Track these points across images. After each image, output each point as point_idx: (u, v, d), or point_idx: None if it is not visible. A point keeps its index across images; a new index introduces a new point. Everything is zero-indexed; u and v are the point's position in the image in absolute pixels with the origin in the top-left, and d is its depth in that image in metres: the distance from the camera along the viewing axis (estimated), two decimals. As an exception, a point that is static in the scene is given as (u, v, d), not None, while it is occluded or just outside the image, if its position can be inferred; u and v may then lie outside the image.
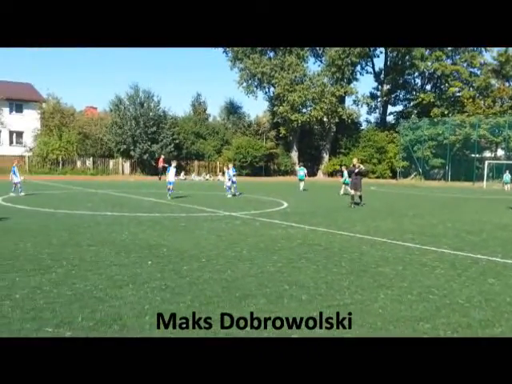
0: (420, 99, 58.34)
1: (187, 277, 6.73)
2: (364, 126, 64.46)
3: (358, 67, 59.10)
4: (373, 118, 66.33)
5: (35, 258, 7.68)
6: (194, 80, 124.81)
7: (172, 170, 21.32)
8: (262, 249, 9.07)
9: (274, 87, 54.96)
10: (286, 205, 18.81)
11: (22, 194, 19.79)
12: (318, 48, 57.18)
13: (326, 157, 59.08)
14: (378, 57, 62.28)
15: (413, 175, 57.03)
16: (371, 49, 58.24)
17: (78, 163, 45.52)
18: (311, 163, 57.78)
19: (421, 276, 7.17)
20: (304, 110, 55.73)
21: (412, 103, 62.09)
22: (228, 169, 24.14)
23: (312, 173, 55.08)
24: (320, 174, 57.60)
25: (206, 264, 7.60)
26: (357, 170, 19.35)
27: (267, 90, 57.99)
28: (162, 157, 41.31)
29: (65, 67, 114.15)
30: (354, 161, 20.54)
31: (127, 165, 47.25)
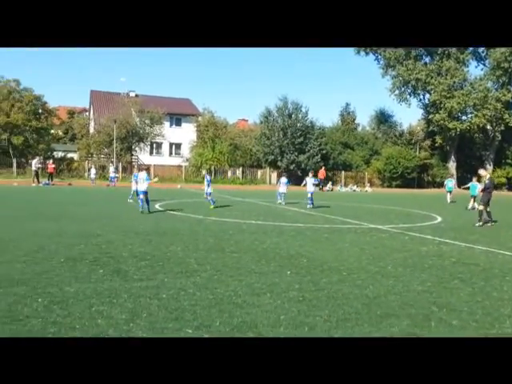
0: None
1: (325, 289, 6.53)
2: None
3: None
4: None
5: (183, 261, 8.11)
6: (343, 89, 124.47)
7: (309, 181, 21.25)
8: (410, 265, 8.48)
9: (430, 94, 52.22)
10: (439, 219, 17.56)
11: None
12: (480, 50, 53.08)
13: (489, 168, 54.27)
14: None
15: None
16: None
17: (229, 173, 47.94)
18: (471, 175, 53.47)
19: None
20: (464, 118, 52.02)
21: None
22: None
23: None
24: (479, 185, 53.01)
25: (346, 277, 7.32)
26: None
27: (422, 97, 55.37)
28: (323, 168, 41.89)
29: (220, 83, 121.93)
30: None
31: (274, 175, 48.53)
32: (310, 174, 21.95)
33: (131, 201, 20.09)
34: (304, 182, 21.93)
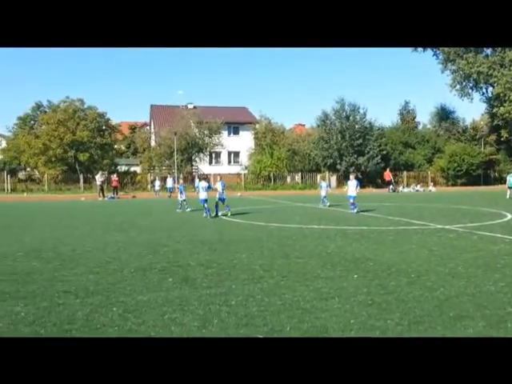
0: None
1: (395, 293, 6.40)
2: None
3: None
4: None
5: (249, 268, 8.21)
6: (402, 88, 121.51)
7: (351, 183, 20.07)
8: (481, 265, 8.15)
9: (493, 87, 50.05)
10: (509, 216, 16.75)
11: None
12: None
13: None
14: None
15: None
16: None
17: (288, 178, 48.00)
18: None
19: None
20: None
21: None
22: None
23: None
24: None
25: (415, 280, 7.14)
26: None
27: (484, 90, 53.19)
28: (388, 169, 41.28)
29: (275, 89, 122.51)
30: None
31: (334, 178, 48.11)
32: (352, 177, 20.66)
33: (179, 211, 20.89)
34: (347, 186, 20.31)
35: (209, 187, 18.63)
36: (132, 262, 8.94)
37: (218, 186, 18.76)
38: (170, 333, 4.91)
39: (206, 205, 17.49)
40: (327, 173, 48.16)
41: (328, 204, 22.70)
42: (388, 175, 40.37)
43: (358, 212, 19.07)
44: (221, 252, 9.87)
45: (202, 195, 17.74)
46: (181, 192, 21.74)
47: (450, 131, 55.53)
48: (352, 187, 19.65)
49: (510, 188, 27.52)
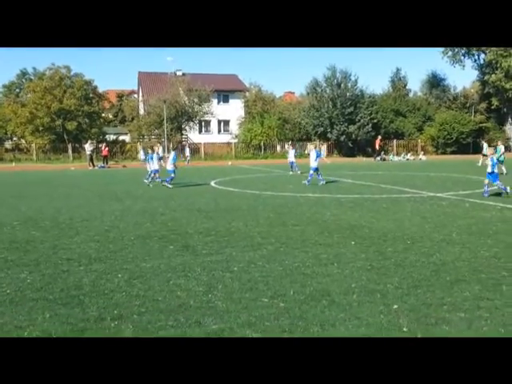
0: None
1: (392, 258, 6.57)
2: None
3: None
4: None
5: (247, 235, 8.33)
6: (393, 55, 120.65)
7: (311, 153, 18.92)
8: (474, 232, 8.36)
9: (485, 54, 49.87)
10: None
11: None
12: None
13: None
14: None
15: None
16: None
17: (278, 147, 47.89)
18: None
19: None
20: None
21: None
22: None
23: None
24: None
25: (411, 246, 7.32)
26: None
27: (476, 57, 52.96)
28: (379, 137, 41.31)
29: (265, 56, 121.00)
30: None
31: (324, 147, 48.10)
32: (311, 147, 19.83)
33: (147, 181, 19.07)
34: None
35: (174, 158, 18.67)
36: (130, 230, 9.02)
37: (170, 156, 19.05)
38: (177, 297, 5.04)
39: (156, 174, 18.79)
40: (318, 141, 48.14)
41: (299, 171, 23.26)
42: (378, 143, 40.46)
43: (313, 183, 18.13)
44: (218, 220, 9.97)
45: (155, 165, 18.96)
46: (148, 161, 20.22)
47: (441, 99, 55.51)
48: (312, 158, 18.54)
49: (484, 156, 27.11)
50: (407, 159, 42.32)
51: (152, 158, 19.38)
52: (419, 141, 49.54)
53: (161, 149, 36.31)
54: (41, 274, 6.01)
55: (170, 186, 17.35)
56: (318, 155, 18.97)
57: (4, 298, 5.10)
